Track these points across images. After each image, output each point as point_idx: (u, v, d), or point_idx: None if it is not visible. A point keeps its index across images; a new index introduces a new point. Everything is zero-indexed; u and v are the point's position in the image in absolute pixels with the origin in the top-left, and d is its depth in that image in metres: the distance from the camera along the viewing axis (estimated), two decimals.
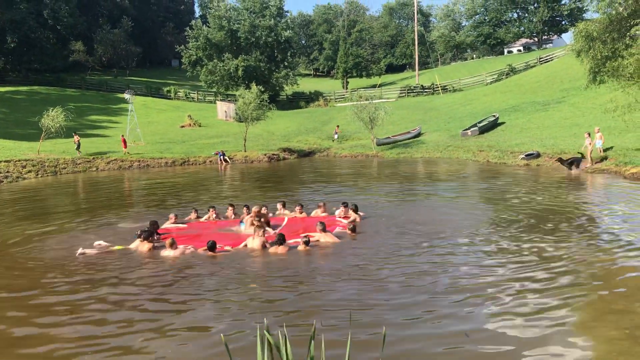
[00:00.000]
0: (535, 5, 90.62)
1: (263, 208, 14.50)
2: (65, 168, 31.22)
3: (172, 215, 14.66)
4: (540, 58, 60.68)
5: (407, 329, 7.23)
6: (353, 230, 12.64)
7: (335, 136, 42.18)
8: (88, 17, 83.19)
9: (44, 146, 33.43)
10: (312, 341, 3.19)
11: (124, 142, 35.01)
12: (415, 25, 76.27)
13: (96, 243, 12.39)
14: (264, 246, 11.53)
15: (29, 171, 29.38)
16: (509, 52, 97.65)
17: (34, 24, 68.01)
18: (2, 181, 27.13)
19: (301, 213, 15.13)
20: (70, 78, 70.23)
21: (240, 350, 6.58)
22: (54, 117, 33.26)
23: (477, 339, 6.87)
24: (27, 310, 8.41)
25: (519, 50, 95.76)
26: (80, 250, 11.80)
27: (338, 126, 42.67)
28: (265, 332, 3.09)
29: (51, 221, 16.15)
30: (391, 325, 7.29)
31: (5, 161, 29.25)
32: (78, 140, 33.77)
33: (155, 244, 12.02)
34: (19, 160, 30.03)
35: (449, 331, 7.14)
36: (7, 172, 28.32)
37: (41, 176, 29.33)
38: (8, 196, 22.76)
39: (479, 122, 37.48)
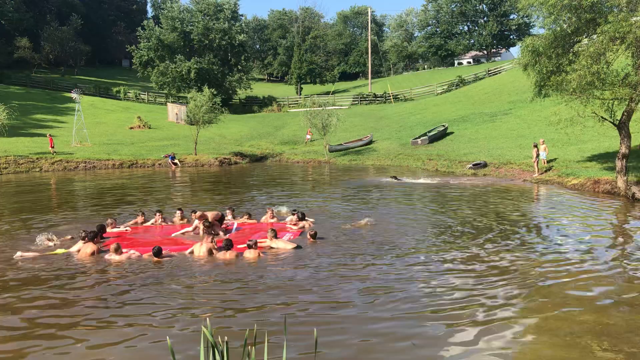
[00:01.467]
0: (485, 19, 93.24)
1: (217, 214, 14.32)
2: (6, 168, 30.04)
3: (110, 221, 14.22)
4: (488, 70, 62.36)
5: (349, 335, 7.22)
6: (314, 237, 12.57)
7: (308, 137, 41.98)
8: (35, 13, 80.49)
9: None
10: (253, 348, 3.13)
11: (51, 141, 33.60)
12: (369, 34, 77.13)
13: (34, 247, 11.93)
14: (210, 252, 11.34)
15: None
16: (459, 63, 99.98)
17: None
18: None
19: (250, 220, 15.02)
20: (14, 75, 67.61)
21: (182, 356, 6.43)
22: None
23: (424, 349, 6.94)
24: None
25: (469, 62, 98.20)
26: (18, 254, 11.34)
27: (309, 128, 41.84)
28: (204, 330, 3.01)
29: None
30: (332, 330, 7.28)
31: None
32: None
33: (100, 249, 11.67)
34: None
35: (396, 338, 7.18)
36: None
37: None
38: None
39: (429, 132, 38.14)
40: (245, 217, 15.15)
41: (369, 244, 12.31)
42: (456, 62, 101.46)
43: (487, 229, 13.72)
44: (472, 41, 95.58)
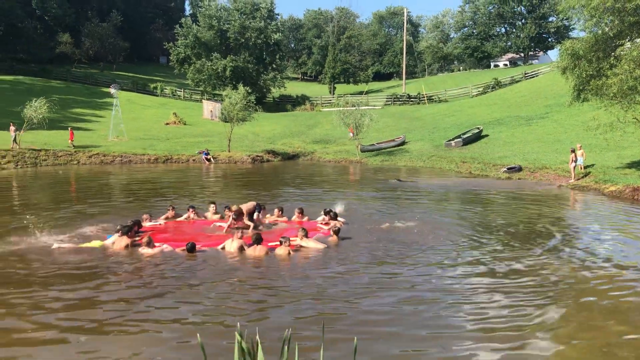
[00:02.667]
0: (523, 21, 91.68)
1: (251, 205, 14.45)
2: (45, 160, 30.84)
3: (145, 216, 14.46)
4: (525, 73, 61.32)
5: (381, 339, 7.20)
6: (337, 233, 12.58)
7: (351, 135, 40.33)
8: (77, 9, 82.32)
9: (26, 137, 32.93)
10: (286, 346, 3.15)
11: (72, 134, 33.92)
12: (404, 34, 76.68)
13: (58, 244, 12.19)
14: (241, 248, 11.43)
15: (9, 162, 28.97)
16: (495, 65, 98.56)
17: (21, 13, 67.25)
18: None
19: (280, 217, 15.07)
20: (55, 70, 69.32)
21: (211, 353, 6.50)
22: (37, 108, 32.84)
23: (452, 356, 6.87)
24: None
25: (505, 65, 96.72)
26: (55, 245, 11.63)
27: (350, 125, 40.06)
28: (238, 335, 3.04)
29: (26, 213, 15.90)
30: (366, 334, 7.27)
31: None
32: (14, 132, 31.35)
33: (134, 242, 11.87)
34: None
35: (425, 343, 7.13)
36: None
37: (21, 167, 28.93)
38: None
39: (463, 134, 37.74)
40: (277, 212, 15.21)
41: (401, 247, 12.20)
42: (492, 64, 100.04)
43: (521, 236, 13.50)
44: (509, 43, 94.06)
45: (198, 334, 3.92)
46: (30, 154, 30.60)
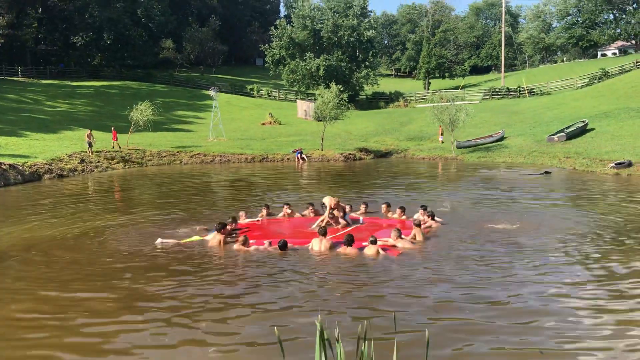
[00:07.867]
0: (635, 6, 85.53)
1: (347, 206, 14.61)
2: (151, 160, 32.59)
3: (241, 213, 14.86)
4: (637, 62, 57.17)
5: (467, 341, 6.94)
6: (418, 225, 12.39)
7: (440, 139, 38.96)
8: (178, 16, 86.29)
9: (132, 138, 35.02)
10: (364, 341, 3.10)
11: (114, 134, 33.09)
12: (503, 25, 73.97)
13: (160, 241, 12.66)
14: (332, 247, 11.44)
15: (118, 162, 30.90)
16: (603, 55, 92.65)
17: (128, 22, 71.56)
18: (93, 170, 28.71)
19: (367, 210, 15.64)
20: (159, 74, 73.22)
21: (292, 346, 6.54)
22: (142, 111, 34.77)
23: None
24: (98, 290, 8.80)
25: (614, 54, 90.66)
26: (159, 241, 12.24)
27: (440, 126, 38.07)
28: (318, 324, 3.03)
29: (133, 211, 16.86)
30: (450, 336, 7.05)
31: (96, 152, 30.90)
32: (90, 138, 30.42)
33: (229, 240, 12.22)
34: (109, 152, 31.60)
35: (520, 348, 6.80)
36: (98, 162, 29.94)
37: (128, 167, 30.76)
38: (97, 186, 24.08)
39: (567, 128, 35.76)
40: (363, 207, 15.70)
41: (508, 250, 11.52)
42: (599, 53, 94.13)
43: (634, 232, 12.56)
44: (619, 30, 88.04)
45: (275, 328, 3.94)
46: (137, 154, 32.44)
